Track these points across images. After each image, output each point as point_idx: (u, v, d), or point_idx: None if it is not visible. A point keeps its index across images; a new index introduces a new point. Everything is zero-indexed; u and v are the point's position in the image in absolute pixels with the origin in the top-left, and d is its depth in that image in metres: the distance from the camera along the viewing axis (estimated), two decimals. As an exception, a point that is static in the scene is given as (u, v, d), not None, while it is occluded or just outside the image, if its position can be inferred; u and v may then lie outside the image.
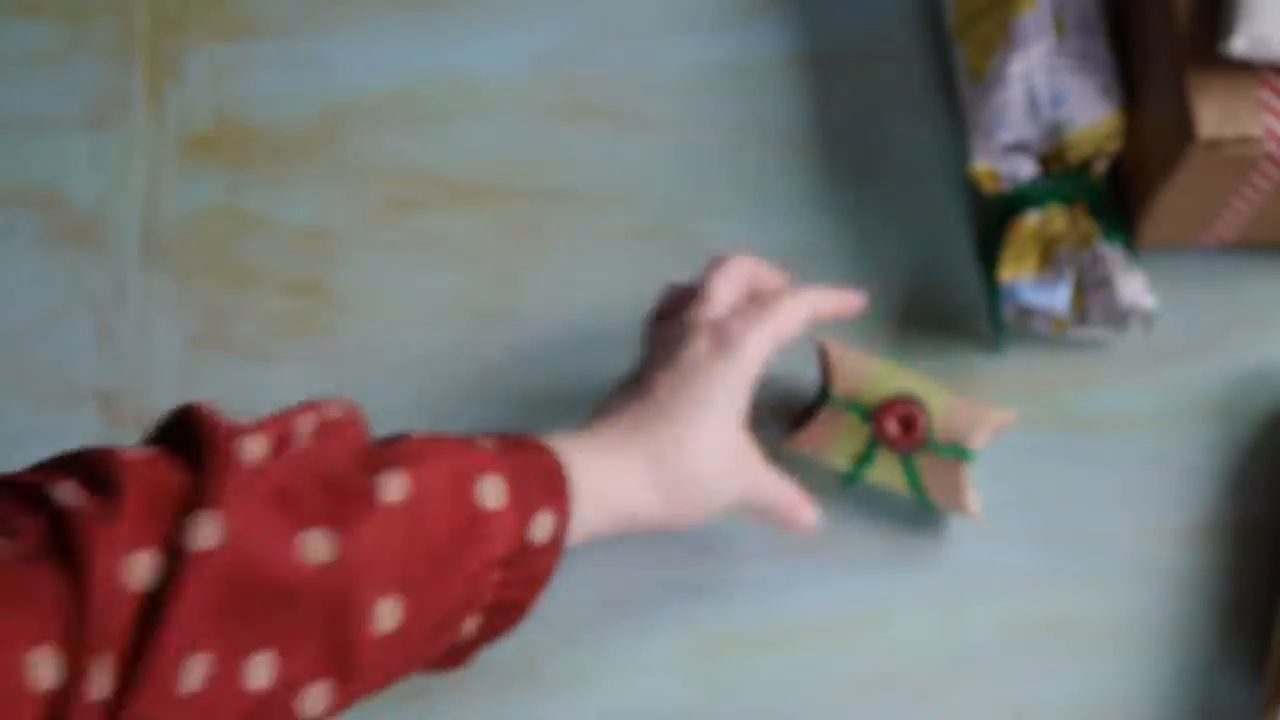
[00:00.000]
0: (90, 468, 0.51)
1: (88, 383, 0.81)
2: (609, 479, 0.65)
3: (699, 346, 0.68)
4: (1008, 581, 0.80)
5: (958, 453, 0.76)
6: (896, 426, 0.76)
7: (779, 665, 0.78)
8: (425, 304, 0.83)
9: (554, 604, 0.79)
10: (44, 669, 0.46)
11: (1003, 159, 0.81)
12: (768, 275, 0.73)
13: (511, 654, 0.78)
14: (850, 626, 0.79)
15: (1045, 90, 0.80)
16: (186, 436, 0.53)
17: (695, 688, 0.78)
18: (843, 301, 0.74)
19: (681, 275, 0.84)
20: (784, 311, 0.69)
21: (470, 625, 0.61)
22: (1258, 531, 0.81)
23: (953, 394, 0.78)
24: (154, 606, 0.48)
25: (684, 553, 0.80)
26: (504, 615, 0.63)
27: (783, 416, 0.81)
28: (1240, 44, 0.72)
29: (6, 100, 0.85)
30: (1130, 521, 0.81)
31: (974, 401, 0.79)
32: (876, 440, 0.76)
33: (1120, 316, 0.80)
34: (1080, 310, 0.80)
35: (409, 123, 0.86)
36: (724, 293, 0.71)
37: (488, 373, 0.82)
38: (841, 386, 0.77)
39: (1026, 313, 0.81)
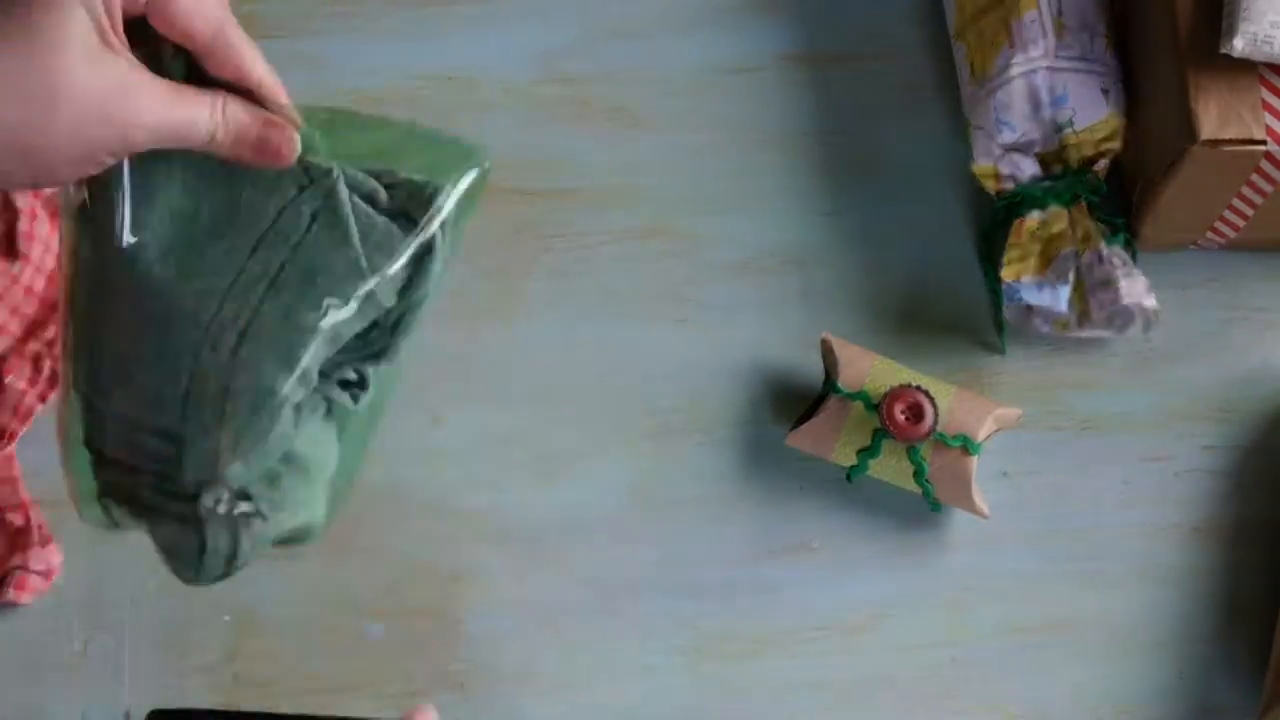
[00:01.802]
0: None
1: (87, 382, 0.81)
2: None
3: None
4: (1008, 582, 0.80)
5: (964, 442, 0.76)
6: (904, 415, 0.76)
7: (779, 666, 0.78)
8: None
9: (554, 604, 0.79)
10: None
11: (1004, 159, 0.81)
12: None
13: (511, 654, 0.78)
14: (850, 627, 0.79)
15: (1046, 90, 0.80)
16: None
17: (695, 688, 0.78)
18: None
19: (680, 274, 0.84)
20: None
21: None
22: (1258, 531, 0.81)
23: (958, 388, 0.78)
24: None
25: (684, 553, 0.80)
26: None
27: (785, 415, 0.81)
28: (1240, 44, 0.72)
29: (6, 100, 0.85)
30: (1130, 521, 0.81)
31: (979, 395, 0.79)
32: (883, 430, 0.76)
33: (1121, 316, 0.80)
34: (1081, 310, 0.80)
35: (408, 122, 0.86)
36: None
37: (487, 372, 0.82)
38: (846, 377, 0.77)
39: (1028, 312, 0.81)
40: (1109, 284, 0.79)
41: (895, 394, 0.76)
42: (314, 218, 0.56)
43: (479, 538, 0.80)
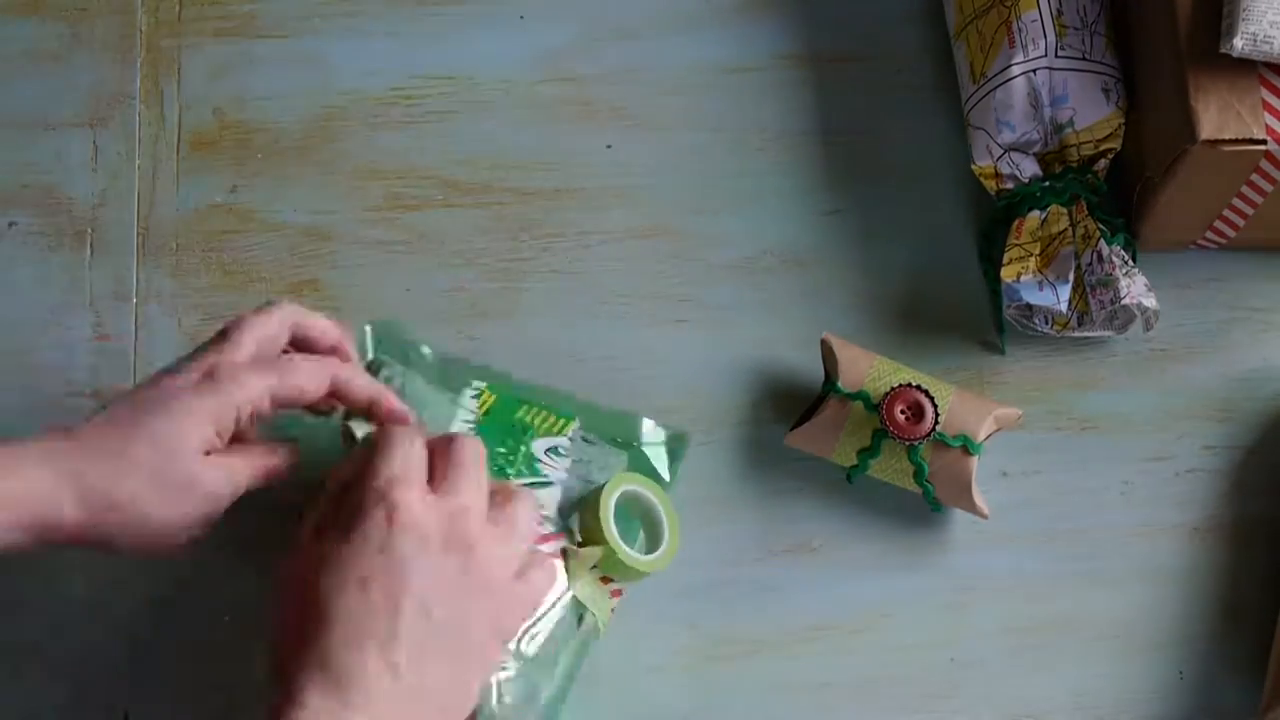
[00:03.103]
0: None
1: (88, 383, 0.81)
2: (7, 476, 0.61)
3: (183, 379, 0.65)
4: (1008, 581, 0.80)
5: (964, 442, 0.76)
6: (904, 415, 0.76)
7: (779, 666, 0.78)
8: (423, 303, 0.83)
9: (554, 604, 0.79)
10: None
11: (1004, 159, 0.81)
12: (314, 324, 0.70)
13: (511, 654, 0.78)
14: (851, 627, 0.79)
15: (1046, 90, 0.80)
16: None
17: (695, 688, 0.78)
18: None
19: (680, 274, 0.84)
20: (297, 370, 0.66)
21: None
22: (1258, 531, 0.81)
23: (958, 388, 0.78)
24: None
25: (684, 553, 0.80)
26: None
27: (785, 415, 0.81)
28: (1240, 44, 0.72)
29: (6, 100, 0.85)
30: (1130, 521, 0.81)
31: (979, 395, 0.79)
32: (883, 430, 0.76)
33: (1121, 316, 0.80)
34: (1081, 310, 0.80)
35: (408, 122, 0.86)
36: (246, 343, 0.67)
37: (488, 372, 0.82)
38: (846, 377, 0.77)
39: (1028, 312, 0.81)
40: (1109, 284, 0.79)
41: (895, 394, 0.76)
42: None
43: (479, 538, 0.79)
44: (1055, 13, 0.80)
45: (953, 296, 0.84)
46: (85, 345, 0.82)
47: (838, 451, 0.78)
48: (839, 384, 0.77)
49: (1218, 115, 0.74)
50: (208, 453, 0.64)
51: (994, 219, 0.83)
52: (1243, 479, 0.82)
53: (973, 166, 0.82)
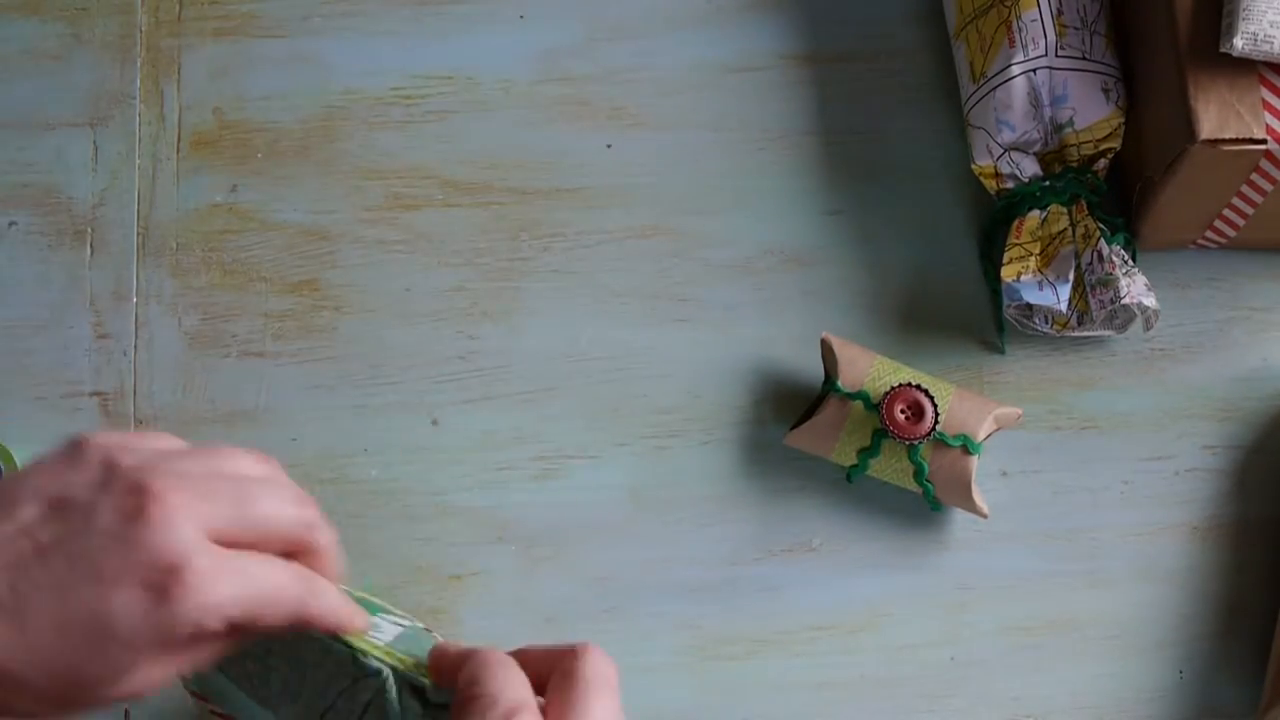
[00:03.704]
0: None
1: (87, 383, 0.81)
2: None
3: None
4: (1008, 581, 0.80)
5: (964, 442, 0.76)
6: (904, 414, 0.76)
7: (779, 666, 0.78)
8: (423, 303, 0.83)
9: (554, 604, 0.79)
10: None
11: (1004, 158, 0.81)
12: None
13: (511, 654, 0.78)
14: (850, 627, 0.79)
15: (1046, 90, 0.80)
16: None
17: (695, 688, 0.78)
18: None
19: (680, 274, 0.84)
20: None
21: None
22: (1258, 531, 0.81)
23: (958, 387, 0.78)
24: None
25: (684, 553, 0.80)
26: None
27: (785, 415, 0.81)
28: (1240, 44, 0.72)
29: (6, 100, 0.85)
30: (1130, 521, 0.81)
31: (979, 394, 0.79)
32: (883, 430, 0.76)
33: (1121, 316, 0.80)
34: (1081, 310, 0.80)
35: (408, 122, 0.86)
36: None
37: (486, 373, 0.82)
38: (846, 377, 0.77)
39: (1028, 312, 0.81)
40: (1109, 283, 0.79)
41: (895, 393, 0.76)
42: (366, 707, 0.60)
43: (479, 538, 0.80)
44: (1055, 12, 0.80)
45: (953, 296, 0.84)
46: (85, 345, 0.82)
47: (838, 451, 0.78)
48: (839, 384, 0.77)
49: (1217, 115, 0.74)
50: None
51: (994, 219, 0.83)
52: (1243, 479, 0.82)
53: (973, 166, 0.82)
